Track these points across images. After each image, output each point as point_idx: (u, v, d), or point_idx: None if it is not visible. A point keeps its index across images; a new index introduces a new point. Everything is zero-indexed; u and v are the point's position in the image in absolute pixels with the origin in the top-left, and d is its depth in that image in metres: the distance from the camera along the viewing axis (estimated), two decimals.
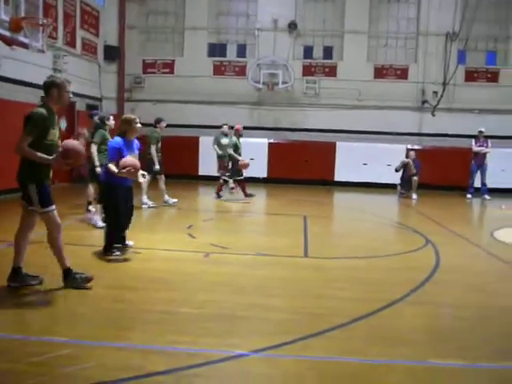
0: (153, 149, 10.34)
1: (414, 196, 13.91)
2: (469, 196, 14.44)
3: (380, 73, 17.27)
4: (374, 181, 16.01)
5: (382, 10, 17.48)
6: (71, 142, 4.92)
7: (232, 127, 13.25)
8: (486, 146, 14.50)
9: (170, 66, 17.71)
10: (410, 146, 15.90)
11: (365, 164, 16.10)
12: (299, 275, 5.85)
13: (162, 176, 10.65)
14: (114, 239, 6.25)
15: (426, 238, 8.11)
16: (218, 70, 17.60)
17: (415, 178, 14.02)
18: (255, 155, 15.06)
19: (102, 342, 3.73)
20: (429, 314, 4.71)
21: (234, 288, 5.22)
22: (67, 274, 4.89)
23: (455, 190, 15.22)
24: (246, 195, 12.47)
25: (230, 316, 4.39)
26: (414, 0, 17.36)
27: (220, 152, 13.03)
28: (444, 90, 16.70)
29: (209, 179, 14.83)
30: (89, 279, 4.93)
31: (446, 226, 9.54)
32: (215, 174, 13.53)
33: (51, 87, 4.78)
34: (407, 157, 14.51)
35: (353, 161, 16.16)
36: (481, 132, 14.55)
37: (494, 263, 6.89)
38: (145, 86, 17.57)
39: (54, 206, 4.79)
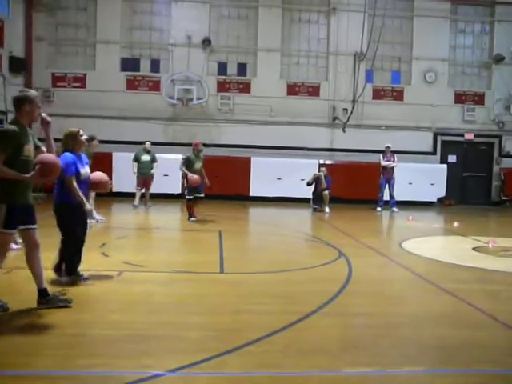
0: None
1: (327, 210, 14.28)
2: (378, 209, 15.04)
3: (293, 90, 17.72)
4: (288, 195, 16.31)
5: (294, 30, 18.00)
6: (49, 157, 4.66)
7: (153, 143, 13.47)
8: (393, 161, 15.22)
9: (81, 80, 17.22)
10: (322, 161, 16.37)
11: (279, 179, 16.38)
12: (215, 291, 5.80)
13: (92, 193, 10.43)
14: (74, 263, 5.85)
15: (339, 251, 8.32)
16: (132, 85, 17.33)
17: (326, 192, 14.42)
18: (170, 171, 14.88)
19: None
20: (342, 324, 4.80)
21: (148, 307, 5.08)
22: None
23: (366, 203, 15.80)
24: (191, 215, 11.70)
25: (144, 336, 4.25)
26: (323, 21, 18.02)
27: (135, 170, 13.09)
28: (353, 107, 17.39)
29: (123, 195, 14.49)
30: None
31: (357, 239, 9.85)
32: (131, 190, 13.51)
33: (24, 102, 4.59)
34: (319, 172, 14.91)
35: (267, 176, 16.38)
36: (388, 147, 15.25)
37: (403, 273, 7.17)
38: (54, 100, 16.92)
39: (14, 231, 4.63)
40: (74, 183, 5.66)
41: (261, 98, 17.34)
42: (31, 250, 4.75)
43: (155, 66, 17.79)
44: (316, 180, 14.55)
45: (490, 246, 9.46)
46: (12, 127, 4.51)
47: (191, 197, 11.47)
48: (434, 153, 18.28)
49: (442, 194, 17.61)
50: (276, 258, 7.85)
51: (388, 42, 18.04)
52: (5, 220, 4.48)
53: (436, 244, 10.45)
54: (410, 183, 16.48)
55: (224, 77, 17.72)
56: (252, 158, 16.67)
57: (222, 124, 17.38)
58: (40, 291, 4.80)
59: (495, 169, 18.68)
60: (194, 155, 11.62)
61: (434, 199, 17.60)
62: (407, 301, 5.82)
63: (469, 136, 18.24)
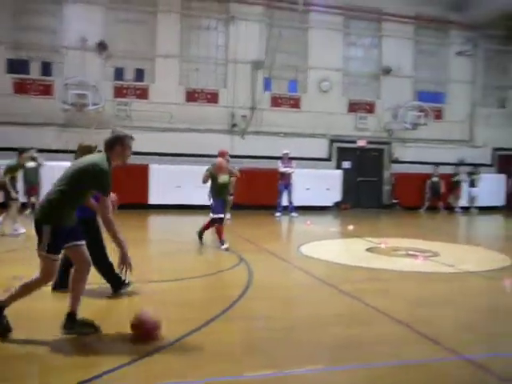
0: (8, 178, 10.10)
1: (228, 216, 14.31)
2: (278, 214, 15.33)
3: (192, 96, 17.67)
4: (188, 203, 16.17)
5: (193, 36, 17.96)
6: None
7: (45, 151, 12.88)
8: (291, 167, 15.60)
9: None
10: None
11: (178, 186, 16.19)
12: (113, 302, 5.60)
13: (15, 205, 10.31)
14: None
15: (240, 257, 8.35)
16: (20, 88, 16.42)
17: (231, 197, 14.45)
18: None
19: None
20: (243, 329, 4.81)
21: (38, 323, 4.80)
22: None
23: (265, 209, 16.04)
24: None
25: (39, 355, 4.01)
26: (222, 29, 18.15)
27: (26, 177, 12.71)
28: (252, 115, 17.64)
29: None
30: None
31: (257, 244, 9.96)
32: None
33: (118, 142, 4.48)
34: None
35: (167, 183, 16.15)
36: (286, 154, 15.61)
37: (302, 276, 7.33)
38: None
39: (58, 256, 4.34)
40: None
41: (159, 105, 17.11)
42: (82, 269, 4.49)
43: (47, 69, 16.98)
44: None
45: (382, 246, 9.94)
46: (107, 168, 4.34)
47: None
48: (329, 159, 18.97)
49: (338, 198, 18.31)
50: (176, 266, 7.74)
51: (285, 52, 18.52)
52: (49, 243, 4.20)
53: (333, 247, 10.81)
54: (308, 188, 16.96)
55: (121, 82, 17.30)
56: (150, 166, 16.37)
57: None
58: (71, 315, 4.44)
59: (386, 174, 19.73)
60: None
61: (331, 204, 18.25)
62: (306, 303, 5.95)
63: (361, 143, 19.13)
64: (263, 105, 17.98)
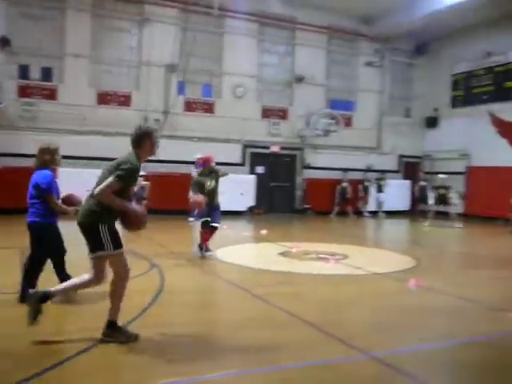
0: None
1: None
2: (191, 219, 15.18)
3: (104, 98, 17.16)
4: None
5: (105, 37, 17.45)
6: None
7: None
8: None
9: None
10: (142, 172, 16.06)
11: (88, 191, 15.59)
12: (10, 316, 5.29)
13: None
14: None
15: (151, 262, 8.19)
16: None
17: (144, 202, 14.22)
18: None
19: None
20: (155, 337, 4.69)
21: None
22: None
23: (179, 214, 15.85)
24: None
25: None
26: (135, 31, 17.78)
27: None
28: (166, 119, 17.41)
29: None
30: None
31: (170, 249, 9.84)
32: None
33: (147, 137, 4.61)
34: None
35: (76, 188, 15.45)
36: (199, 158, 15.49)
37: (215, 281, 7.31)
38: None
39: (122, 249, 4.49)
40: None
41: (69, 106, 16.45)
42: (125, 275, 4.55)
43: None
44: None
45: (294, 250, 10.11)
46: (137, 164, 4.48)
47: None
48: (243, 164, 19.09)
49: (252, 203, 18.45)
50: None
51: (200, 56, 18.43)
52: (112, 240, 4.39)
53: (246, 251, 10.87)
54: (221, 193, 16.89)
55: (27, 81, 16.46)
56: (59, 169, 15.65)
57: (23, 132, 15.97)
58: (112, 322, 4.46)
59: (298, 179, 20.14)
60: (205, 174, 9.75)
61: (245, 208, 18.35)
62: (219, 307, 5.94)
63: (275, 148, 19.42)
64: (177, 109, 17.80)
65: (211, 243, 9.52)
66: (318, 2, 18.75)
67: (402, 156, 22.19)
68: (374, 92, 21.59)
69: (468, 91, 20.74)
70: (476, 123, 20.02)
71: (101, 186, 4.35)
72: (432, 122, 22.14)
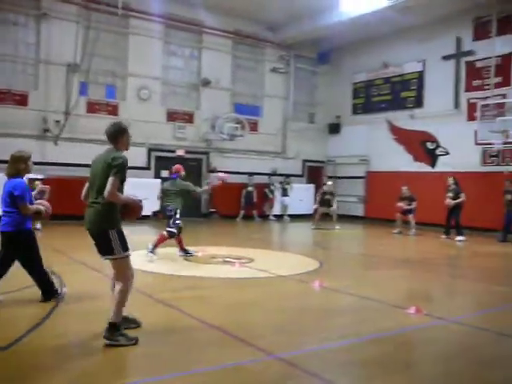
0: None
1: (38, 226, 13.34)
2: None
3: None
4: None
5: None
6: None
7: None
8: None
9: None
10: (33, 176, 15.21)
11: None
12: None
13: None
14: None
15: (50, 269, 7.75)
16: None
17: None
18: None
19: None
20: (54, 348, 4.43)
21: None
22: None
23: (79, 219, 15.19)
24: None
25: None
26: (33, 26, 16.88)
27: None
28: (66, 120, 16.68)
29: None
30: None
31: (69, 255, 9.42)
32: None
33: (123, 133, 4.79)
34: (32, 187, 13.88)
35: None
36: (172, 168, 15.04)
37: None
38: None
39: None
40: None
41: None
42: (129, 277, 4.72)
43: None
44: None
45: (200, 254, 10.02)
46: (125, 157, 4.66)
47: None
48: (148, 168, 18.71)
49: (156, 207, 18.05)
50: None
51: (103, 56, 17.85)
52: (121, 244, 4.61)
53: (151, 256, 10.59)
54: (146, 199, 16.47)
55: None
56: None
57: None
58: (115, 325, 4.54)
59: (204, 183, 20.00)
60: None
61: (149, 213, 17.93)
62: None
63: (180, 152, 19.21)
64: (79, 110, 17.11)
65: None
66: (224, 6, 18.80)
67: (305, 161, 22.77)
68: (279, 98, 22.00)
69: (368, 99, 21.69)
70: (375, 130, 20.99)
71: (107, 188, 4.49)
72: (334, 128, 22.93)
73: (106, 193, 4.50)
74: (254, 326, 5.35)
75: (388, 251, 12.27)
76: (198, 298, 6.52)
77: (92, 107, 17.67)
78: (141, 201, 4.92)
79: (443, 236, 14.94)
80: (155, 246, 9.58)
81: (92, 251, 10.07)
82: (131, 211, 4.83)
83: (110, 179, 4.51)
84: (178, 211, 9.91)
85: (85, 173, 16.15)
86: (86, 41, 16.23)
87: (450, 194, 14.80)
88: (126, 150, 4.91)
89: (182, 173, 10.23)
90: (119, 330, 4.55)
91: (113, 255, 4.63)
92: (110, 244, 4.61)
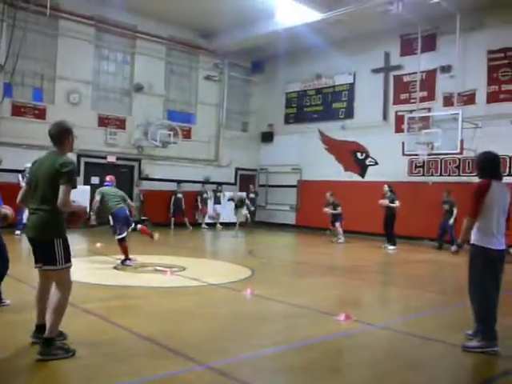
0: None
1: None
2: (17, 232, 14.04)
3: None
4: None
5: None
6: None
7: None
8: None
9: None
10: None
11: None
12: None
13: None
14: None
15: None
16: None
17: None
18: None
19: None
20: None
21: None
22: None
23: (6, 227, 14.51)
24: None
25: None
26: None
27: None
28: None
29: None
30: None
31: None
32: None
33: (68, 134, 4.69)
34: None
35: None
36: (28, 167, 14.44)
37: None
38: None
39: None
40: None
41: None
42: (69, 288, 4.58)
43: None
44: None
45: (131, 264, 9.78)
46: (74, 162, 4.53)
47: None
48: (77, 174, 18.08)
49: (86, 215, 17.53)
50: None
51: (30, 57, 17.18)
52: (64, 254, 4.44)
53: (78, 266, 10.16)
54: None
55: None
56: None
57: None
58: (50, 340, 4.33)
59: (136, 190, 19.66)
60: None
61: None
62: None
63: (111, 158, 18.76)
64: (3, 112, 16.35)
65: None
66: (159, 12, 18.59)
67: (238, 169, 22.82)
68: (213, 105, 21.98)
69: (300, 109, 22.05)
70: (307, 140, 21.35)
71: (61, 198, 4.28)
72: (267, 137, 23.13)
73: (59, 203, 4.29)
74: (185, 336, 5.26)
75: (319, 259, 12.45)
76: (126, 308, 6.35)
77: (17, 110, 16.94)
78: (86, 207, 4.84)
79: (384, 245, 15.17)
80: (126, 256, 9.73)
81: (16, 260, 9.61)
82: (77, 218, 4.68)
83: (62, 188, 4.30)
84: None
85: (10, 178, 15.52)
86: (11, 40, 15.55)
87: (386, 201, 15.04)
88: (71, 151, 4.78)
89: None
90: (55, 344, 4.34)
91: (54, 266, 4.44)
92: (53, 254, 4.40)
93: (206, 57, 21.58)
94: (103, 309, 6.07)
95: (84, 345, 4.76)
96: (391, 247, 14.88)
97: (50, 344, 4.29)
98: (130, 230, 10.14)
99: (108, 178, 10.45)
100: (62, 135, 4.67)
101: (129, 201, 10.19)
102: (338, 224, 16.45)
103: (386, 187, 15.39)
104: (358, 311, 6.64)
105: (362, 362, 4.70)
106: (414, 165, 17.87)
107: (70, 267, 4.58)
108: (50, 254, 4.41)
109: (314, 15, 16.78)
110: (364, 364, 4.66)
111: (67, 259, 4.51)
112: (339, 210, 16.42)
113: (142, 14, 18.70)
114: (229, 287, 7.95)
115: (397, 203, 14.94)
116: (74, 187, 4.42)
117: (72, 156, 17.60)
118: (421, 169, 17.73)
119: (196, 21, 19.45)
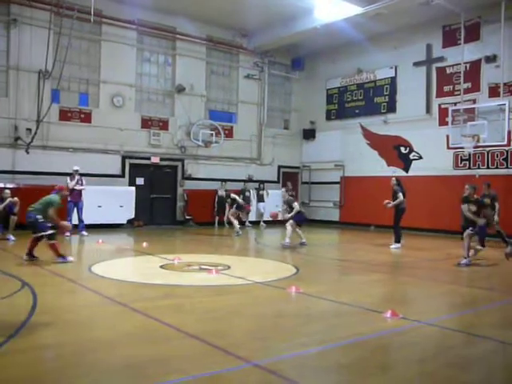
0: None
1: (12, 237, 13.10)
2: (67, 234, 14.42)
3: None
4: None
5: None
6: None
7: None
8: (81, 184, 14.90)
9: None
10: (1, 185, 14.97)
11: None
12: None
13: None
14: None
15: (22, 281, 7.62)
16: None
17: (14, 217, 13.27)
18: None
19: None
20: (29, 361, 4.32)
21: None
22: None
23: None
24: None
25: None
26: (2, 32, 16.61)
27: None
28: (38, 128, 16.43)
29: None
30: None
31: (42, 266, 9.23)
32: None
33: None
34: (3, 196, 13.59)
35: None
36: (76, 170, 14.88)
37: (93, 297, 6.95)
38: None
39: None
40: None
41: None
42: None
43: None
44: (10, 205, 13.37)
45: (176, 262, 9.95)
46: None
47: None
48: (122, 175, 18.53)
49: (132, 215, 17.95)
50: None
51: (75, 63, 17.70)
52: None
53: (126, 265, 10.51)
54: (100, 206, 16.36)
55: None
56: None
57: None
58: None
59: (179, 190, 19.94)
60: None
61: (124, 221, 17.81)
62: (98, 325, 5.61)
63: (155, 159, 19.09)
64: (51, 118, 16.85)
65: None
66: (198, 13, 18.80)
67: (281, 166, 22.83)
68: (254, 104, 22.05)
69: (342, 105, 21.88)
70: (349, 135, 21.17)
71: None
72: (309, 134, 23.05)
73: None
74: (232, 334, 5.32)
75: (363, 256, 12.35)
76: (173, 307, 6.46)
77: (65, 115, 17.45)
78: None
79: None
80: (58, 255, 9.73)
81: (67, 262, 9.89)
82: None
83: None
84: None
85: (56, 181, 16.01)
86: (57, 47, 16.01)
87: (389, 203, 13.70)
88: None
89: (64, 192, 10.69)
90: None
91: None
92: None
93: (245, 56, 21.67)
94: (151, 308, 6.20)
95: (132, 343, 4.89)
96: (394, 246, 13.64)
97: None
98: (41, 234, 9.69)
99: (57, 186, 10.62)
100: None
101: (50, 211, 9.98)
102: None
103: (393, 180, 14.09)
104: (405, 308, 6.57)
105: (409, 360, 4.65)
106: (459, 158, 17.48)
107: None
108: None
109: (353, 9, 16.63)
110: (412, 361, 4.61)
111: None
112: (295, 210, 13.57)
113: (180, 16, 18.95)
114: (274, 285, 7.98)
115: (400, 197, 13.42)
116: None
117: (116, 158, 18.06)
118: (467, 162, 17.32)
119: (234, 20, 19.57)
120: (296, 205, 13.66)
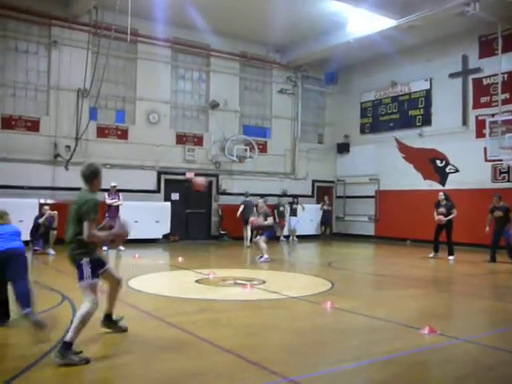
0: None
1: (52, 252, 13.41)
2: (105, 248, 14.69)
3: (8, 123, 16.32)
4: None
5: (10, 59, 16.66)
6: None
7: None
8: (118, 199, 15.18)
9: None
10: (43, 201, 15.37)
11: None
12: None
13: None
14: None
15: (62, 295, 7.78)
16: None
17: (54, 232, 13.61)
18: None
19: None
20: (68, 372, 4.41)
21: None
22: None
23: None
24: None
25: None
26: (44, 53, 17.18)
27: None
28: (77, 145, 16.83)
29: None
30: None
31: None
32: None
33: (97, 175, 5.22)
34: (43, 212, 13.94)
35: None
36: (113, 186, 15.17)
37: (130, 311, 7.02)
38: None
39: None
40: None
41: None
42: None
43: None
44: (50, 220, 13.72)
45: (211, 277, 10.00)
46: (95, 198, 5.06)
47: None
48: (158, 191, 18.79)
49: (167, 230, 18.16)
50: None
51: (112, 81, 18.14)
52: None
53: (162, 280, 10.61)
54: (136, 221, 16.53)
55: None
56: None
57: None
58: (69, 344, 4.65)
59: (214, 205, 20.08)
60: None
61: (160, 236, 18.02)
62: (131, 338, 5.68)
63: (190, 175, 19.28)
64: (89, 135, 17.25)
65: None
66: (230, 29, 19.04)
67: (315, 181, 22.77)
68: (287, 119, 22.12)
69: (376, 118, 21.76)
70: (384, 149, 21.00)
71: (85, 232, 4.89)
72: (343, 148, 22.97)
73: (84, 236, 4.95)
74: (267, 349, 5.31)
75: (399, 270, 12.18)
76: (208, 321, 6.49)
77: (102, 132, 17.86)
78: (126, 226, 5.37)
79: (431, 254, 14.50)
80: None
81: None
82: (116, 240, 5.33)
83: (85, 224, 4.92)
84: None
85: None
86: (95, 67, 16.43)
87: (442, 210, 14.26)
88: (99, 189, 5.37)
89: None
90: (72, 349, 4.63)
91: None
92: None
93: (278, 70, 21.81)
94: (186, 322, 6.24)
95: (169, 358, 4.93)
96: (451, 257, 14.16)
97: (65, 348, 4.59)
98: None
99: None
100: (91, 176, 5.22)
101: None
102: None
103: (441, 195, 14.55)
104: (443, 324, 6.45)
105: (446, 378, 4.56)
106: (497, 171, 17.14)
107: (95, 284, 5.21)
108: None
109: (386, 22, 16.59)
110: (450, 379, 4.52)
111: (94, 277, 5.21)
112: (269, 220, 13.85)
113: (214, 33, 19.19)
114: (309, 300, 7.94)
115: (454, 212, 14.16)
116: (95, 219, 4.97)
117: (152, 174, 18.34)
118: (506, 174, 16.97)
119: (267, 36, 19.73)
120: (270, 220, 13.86)
